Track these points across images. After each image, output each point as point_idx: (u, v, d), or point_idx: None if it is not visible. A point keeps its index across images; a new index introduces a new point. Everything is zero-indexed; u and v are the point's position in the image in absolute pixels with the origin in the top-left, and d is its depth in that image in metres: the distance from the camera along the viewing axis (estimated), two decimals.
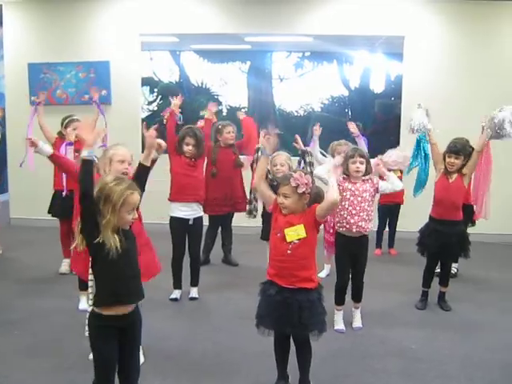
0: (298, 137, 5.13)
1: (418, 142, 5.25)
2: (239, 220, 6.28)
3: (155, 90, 10.74)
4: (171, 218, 5.06)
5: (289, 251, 3.20)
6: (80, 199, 2.64)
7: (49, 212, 5.86)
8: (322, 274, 5.70)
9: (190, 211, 5.04)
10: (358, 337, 4.38)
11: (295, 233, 3.19)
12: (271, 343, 3.42)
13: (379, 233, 6.99)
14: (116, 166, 3.62)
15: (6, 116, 8.21)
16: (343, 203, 4.31)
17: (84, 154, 2.71)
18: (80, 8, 7.91)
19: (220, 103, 10.62)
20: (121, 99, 7.92)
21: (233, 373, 3.73)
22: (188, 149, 5.02)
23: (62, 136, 5.70)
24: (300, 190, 3.17)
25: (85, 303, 4.79)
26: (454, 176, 4.81)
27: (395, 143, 7.12)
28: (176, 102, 5.17)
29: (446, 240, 4.79)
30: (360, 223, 4.30)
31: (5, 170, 8.40)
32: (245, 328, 4.05)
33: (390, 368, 3.82)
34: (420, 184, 5.31)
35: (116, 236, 2.65)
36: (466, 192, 5.02)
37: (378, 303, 5.09)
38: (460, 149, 4.76)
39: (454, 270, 5.76)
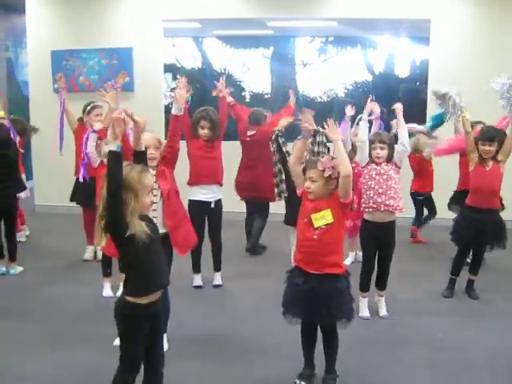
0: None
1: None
2: None
3: (178, 76, 10.68)
4: (191, 201, 4.94)
5: (315, 236, 3.17)
6: (111, 194, 2.55)
7: (72, 199, 5.87)
8: (347, 262, 5.63)
9: (210, 194, 5.00)
10: (384, 325, 4.33)
11: (322, 218, 3.16)
12: (297, 331, 3.38)
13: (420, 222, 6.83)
14: None
15: (30, 103, 8.25)
16: (369, 183, 4.30)
17: (112, 147, 2.60)
18: None
19: (243, 89, 10.56)
20: (143, 86, 7.90)
21: (258, 360, 3.71)
22: (204, 132, 4.95)
23: (83, 122, 5.69)
24: (326, 174, 3.14)
25: (109, 290, 4.81)
26: (490, 163, 4.70)
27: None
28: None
29: (482, 228, 4.70)
30: (388, 201, 4.25)
31: (29, 156, 8.45)
32: (270, 316, 4.01)
33: (416, 357, 3.77)
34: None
35: (142, 222, 2.62)
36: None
37: (406, 291, 5.03)
38: (494, 135, 4.67)
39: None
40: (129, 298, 2.69)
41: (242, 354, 3.81)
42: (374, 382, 3.48)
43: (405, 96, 9.69)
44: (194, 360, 3.70)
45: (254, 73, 10.57)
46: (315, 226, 3.17)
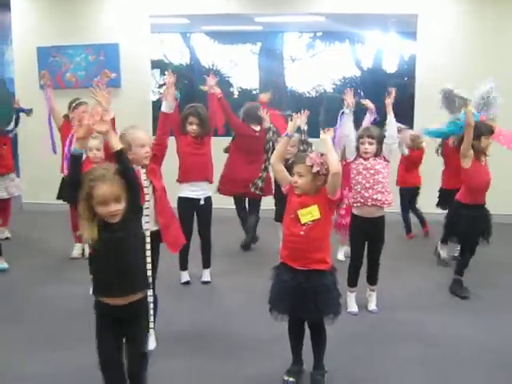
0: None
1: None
2: None
3: (166, 72, 10.63)
4: (180, 198, 4.93)
5: (302, 232, 3.16)
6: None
7: (58, 197, 5.82)
8: (340, 257, 5.66)
9: (200, 191, 4.97)
10: (374, 320, 4.33)
11: (309, 214, 3.16)
12: (284, 327, 3.37)
13: (405, 219, 6.83)
14: (137, 150, 3.47)
15: (16, 100, 8.16)
16: (357, 178, 4.31)
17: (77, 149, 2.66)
18: None
19: (231, 85, 10.53)
20: (130, 82, 7.86)
21: (247, 357, 3.70)
22: (192, 128, 4.91)
23: (68, 119, 5.65)
24: (314, 170, 3.14)
25: None
26: (483, 158, 4.70)
27: (409, 123, 7.03)
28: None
29: (479, 224, 4.74)
30: (375, 196, 4.25)
31: (16, 154, 8.38)
32: (258, 312, 3.99)
33: (406, 353, 3.77)
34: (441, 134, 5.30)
35: (95, 228, 2.56)
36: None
37: (398, 286, 5.04)
38: (491, 129, 4.68)
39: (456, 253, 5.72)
40: (95, 296, 2.72)
41: (230, 350, 3.80)
42: (364, 377, 3.47)
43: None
44: (183, 357, 3.67)
45: (242, 68, 10.56)
46: (302, 222, 3.16)
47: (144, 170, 3.53)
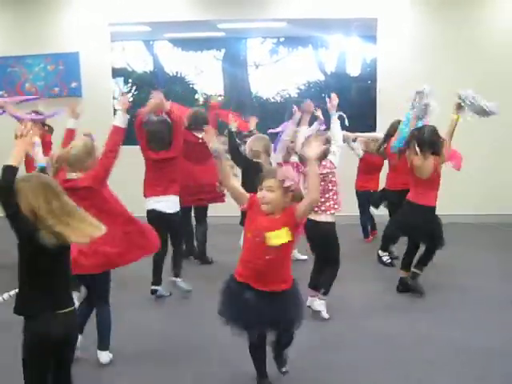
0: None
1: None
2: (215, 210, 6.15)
3: (129, 80, 10.55)
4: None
5: (267, 257, 2.95)
6: None
7: None
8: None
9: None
10: (337, 327, 4.30)
11: (278, 237, 2.93)
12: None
13: (363, 221, 6.85)
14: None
15: None
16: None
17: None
18: None
19: (196, 92, 10.48)
20: (91, 91, 7.79)
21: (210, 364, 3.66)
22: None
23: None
24: (286, 184, 2.94)
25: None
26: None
27: (372, 127, 7.08)
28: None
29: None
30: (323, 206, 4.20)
31: None
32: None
33: (371, 356, 3.76)
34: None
35: None
36: None
37: (354, 293, 5.05)
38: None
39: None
40: None
41: (192, 361, 3.75)
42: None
43: (356, 94, 9.76)
44: (145, 371, 3.62)
45: (206, 75, 10.50)
46: (270, 245, 2.93)
47: None
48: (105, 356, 3.63)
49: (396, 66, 7.47)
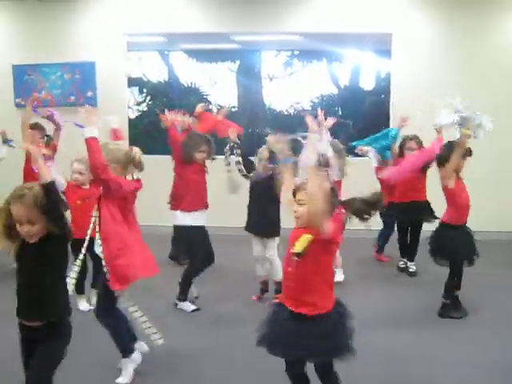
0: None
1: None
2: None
3: (144, 90, 10.66)
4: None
5: (289, 268, 2.88)
6: None
7: None
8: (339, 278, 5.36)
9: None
10: None
11: (299, 244, 2.78)
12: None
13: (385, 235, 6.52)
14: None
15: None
16: None
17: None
18: (65, 8, 7.83)
19: (210, 103, 10.55)
20: (107, 100, 7.83)
21: None
22: (202, 156, 4.88)
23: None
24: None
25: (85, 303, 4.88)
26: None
27: None
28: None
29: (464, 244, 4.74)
30: None
31: None
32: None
33: (374, 370, 3.73)
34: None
35: (13, 242, 2.68)
36: None
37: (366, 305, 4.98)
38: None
39: (412, 269, 5.91)
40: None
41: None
42: None
43: (370, 108, 9.79)
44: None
45: (220, 86, 10.59)
46: (293, 251, 2.81)
47: None
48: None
49: (410, 80, 7.48)
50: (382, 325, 4.55)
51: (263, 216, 4.96)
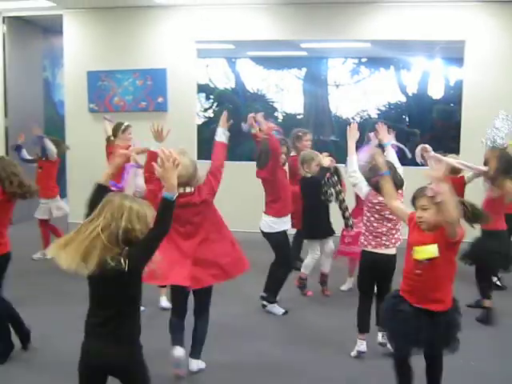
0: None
1: None
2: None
3: (211, 96, 10.80)
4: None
5: (417, 271, 3.00)
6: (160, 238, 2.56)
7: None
8: (344, 288, 5.50)
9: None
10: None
11: (423, 252, 2.96)
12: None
13: None
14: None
15: (66, 123, 8.37)
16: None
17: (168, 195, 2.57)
18: (137, 16, 8.04)
19: (276, 110, 10.60)
20: (177, 106, 7.99)
21: None
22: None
23: (110, 142, 5.78)
24: (437, 200, 2.89)
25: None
26: None
27: (456, 149, 6.94)
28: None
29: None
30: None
31: (64, 175, 8.56)
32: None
33: None
34: None
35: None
36: None
37: None
38: None
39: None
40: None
41: None
42: None
43: (438, 117, 9.63)
44: None
45: (286, 93, 10.62)
46: (415, 258, 2.99)
47: None
48: (197, 364, 3.72)
49: (483, 89, 7.29)
50: None
51: (323, 218, 5.22)
